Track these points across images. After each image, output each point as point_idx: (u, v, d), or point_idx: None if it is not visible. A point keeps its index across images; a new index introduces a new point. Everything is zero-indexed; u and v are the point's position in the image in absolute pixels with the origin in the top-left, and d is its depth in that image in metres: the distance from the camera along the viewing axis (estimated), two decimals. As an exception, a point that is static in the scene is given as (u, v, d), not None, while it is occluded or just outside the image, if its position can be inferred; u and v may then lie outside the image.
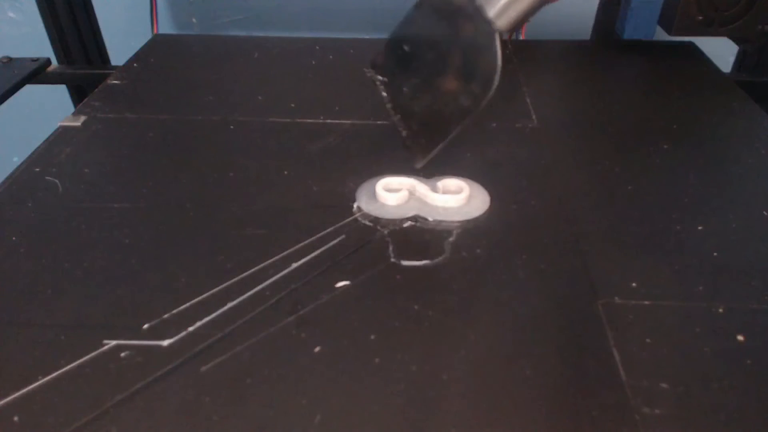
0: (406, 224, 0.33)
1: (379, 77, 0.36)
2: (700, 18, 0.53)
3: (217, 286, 0.29)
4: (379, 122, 0.43)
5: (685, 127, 0.43)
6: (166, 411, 0.23)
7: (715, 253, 0.31)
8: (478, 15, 0.31)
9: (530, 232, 0.33)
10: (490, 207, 0.35)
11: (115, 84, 0.49)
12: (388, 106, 0.36)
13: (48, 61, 0.60)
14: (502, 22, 0.31)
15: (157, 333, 0.27)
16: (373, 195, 0.35)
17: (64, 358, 0.25)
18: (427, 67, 0.34)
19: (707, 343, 0.26)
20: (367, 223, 0.33)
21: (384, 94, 0.36)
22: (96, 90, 0.48)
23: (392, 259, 0.31)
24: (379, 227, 0.33)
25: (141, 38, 0.59)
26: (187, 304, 0.28)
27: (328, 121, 0.44)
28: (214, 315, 0.27)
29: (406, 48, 0.35)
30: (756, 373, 0.25)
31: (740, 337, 0.27)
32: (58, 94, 0.67)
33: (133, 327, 0.27)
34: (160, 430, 0.23)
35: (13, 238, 0.32)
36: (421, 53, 0.35)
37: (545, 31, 0.68)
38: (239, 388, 0.24)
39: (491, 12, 0.31)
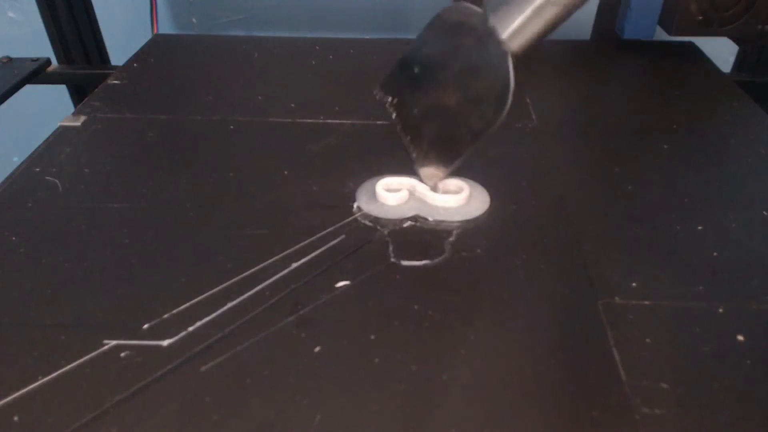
0: (406, 224, 0.33)
1: (389, 98, 0.35)
2: (700, 18, 0.53)
3: (217, 286, 0.29)
4: (379, 122, 0.43)
5: (685, 127, 0.43)
6: (166, 411, 0.23)
7: (715, 253, 0.31)
8: (490, 36, 0.31)
9: (530, 232, 0.33)
10: (490, 207, 0.35)
11: (115, 84, 0.49)
12: (398, 127, 0.36)
13: (48, 61, 0.60)
14: (515, 44, 0.30)
15: (157, 333, 0.27)
16: (373, 195, 0.35)
17: (64, 358, 0.25)
18: (438, 89, 0.34)
19: (707, 343, 0.26)
20: (367, 223, 0.33)
21: (394, 115, 0.36)
22: (96, 90, 0.48)
23: (392, 259, 0.31)
24: (379, 227, 0.33)
25: (141, 38, 0.59)
26: (187, 304, 0.28)
27: (328, 121, 0.44)
28: (214, 315, 0.27)
29: (416, 69, 0.34)
30: (756, 373, 0.25)
31: (740, 337, 0.27)
32: (58, 94, 0.67)
33: (133, 327, 0.27)
34: (160, 430, 0.23)
35: (13, 238, 0.32)
36: (432, 74, 0.34)
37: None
38: (239, 388, 0.24)
39: (504, 33, 0.30)
